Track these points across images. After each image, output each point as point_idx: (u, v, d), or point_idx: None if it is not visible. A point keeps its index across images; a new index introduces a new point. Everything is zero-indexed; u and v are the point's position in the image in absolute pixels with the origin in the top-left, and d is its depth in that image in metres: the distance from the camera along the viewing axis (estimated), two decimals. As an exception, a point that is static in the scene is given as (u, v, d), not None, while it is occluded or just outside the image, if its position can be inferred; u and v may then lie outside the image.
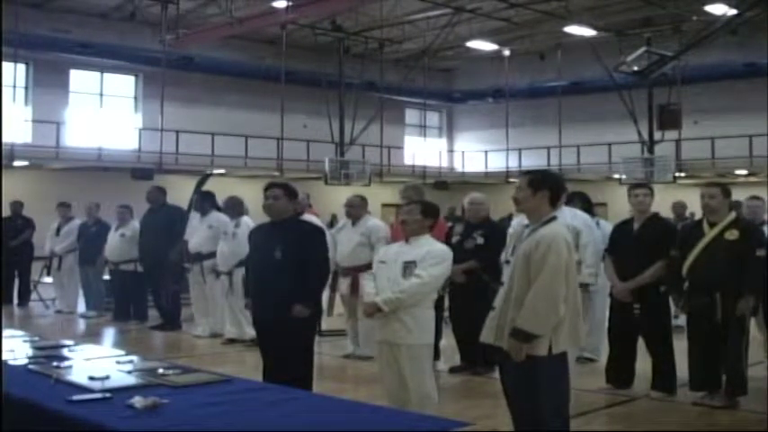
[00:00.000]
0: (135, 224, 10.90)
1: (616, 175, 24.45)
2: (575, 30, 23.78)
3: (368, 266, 6.31)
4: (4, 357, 4.01)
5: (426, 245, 5.01)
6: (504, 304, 4.08)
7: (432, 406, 4.81)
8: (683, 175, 24.15)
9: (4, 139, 18.45)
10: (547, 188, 4.13)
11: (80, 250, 11.72)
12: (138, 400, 3.17)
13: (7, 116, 20.19)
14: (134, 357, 4.27)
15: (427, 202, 5.42)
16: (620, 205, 8.74)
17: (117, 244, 10.86)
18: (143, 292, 10.84)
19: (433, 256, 4.92)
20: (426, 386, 4.94)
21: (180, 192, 13.62)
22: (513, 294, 4.03)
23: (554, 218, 4.11)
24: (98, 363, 4.12)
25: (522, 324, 3.92)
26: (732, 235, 5.86)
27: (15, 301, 12.67)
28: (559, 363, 4.01)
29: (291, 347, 5.31)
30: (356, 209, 8.01)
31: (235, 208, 9.12)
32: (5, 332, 5.02)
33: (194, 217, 9.87)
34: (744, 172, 24.69)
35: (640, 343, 6.43)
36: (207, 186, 10.34)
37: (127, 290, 10.90)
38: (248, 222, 8.66)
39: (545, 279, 3.90)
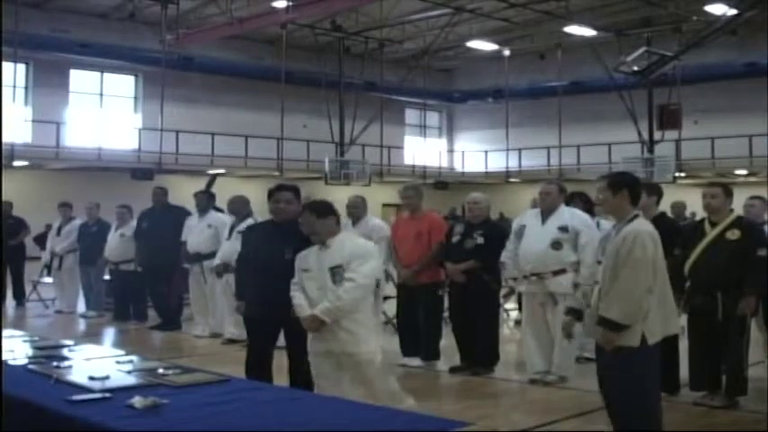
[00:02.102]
0: (135, 224, 10.89)
1: (616, 176, 24.39)
2: (575, 30, 23.78)
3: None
4: (4, 357, 4.01)
5: (347, 246, 4.82)
6: (599, 301, 4.21)
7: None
8: (683, 175, 24.13)
9: (4, 139, 18.42)
10: (626, 188, 4.33)
11: (80, 250, 11.71)
12: (138, 400, 3.18)
13: (7, 116, 20.15)
14: (134, 357, 4.28)
15: (314, 204, 5.05)
16: (620, 205, 8.63)
17: (117, 244, 10.85)
18: (143, 292, 10.83)
19: (358, 256, 4.76)
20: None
21: (180, 192, 13.62)
22: (604, 291, 4.17)
23: (637, 215, 4.31)
24: (98, 363, 4.12)
25: (606, 313, 4.06)
26: (733, 235, 5.86)
27: (12, 302, 12.63)
28: (652, 353, 4.13)
29: (299, 348, 5.28)
30: (358, 209, 8.05)
31: (243, 207, 9.08)
32: (5, 332, 5.01)
33: (192, 217, 9.86)
34: (744, 172, 24.69)
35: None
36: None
37: (127, 290, 10.90)
38: None
39: (631, 270, 4.05)
